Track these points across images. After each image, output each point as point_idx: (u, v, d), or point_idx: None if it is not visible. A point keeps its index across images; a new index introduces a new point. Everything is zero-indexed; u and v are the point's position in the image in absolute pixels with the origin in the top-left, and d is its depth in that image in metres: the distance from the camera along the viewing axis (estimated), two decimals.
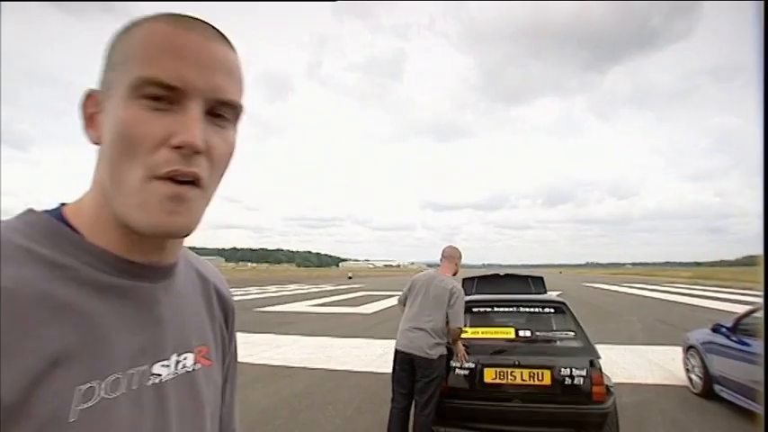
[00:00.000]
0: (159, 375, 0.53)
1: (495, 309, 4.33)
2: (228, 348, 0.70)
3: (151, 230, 0.47)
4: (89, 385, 0.45)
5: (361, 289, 30.46)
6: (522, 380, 3.60)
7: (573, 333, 3.91)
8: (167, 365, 0.54)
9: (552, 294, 5.32)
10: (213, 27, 0.52)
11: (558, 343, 3.87)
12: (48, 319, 0.43)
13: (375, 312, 15.29)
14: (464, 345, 3.78)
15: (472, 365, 3.70)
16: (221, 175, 0.53)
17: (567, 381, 3.51)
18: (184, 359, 0.58)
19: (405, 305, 3.84)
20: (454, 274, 3.87)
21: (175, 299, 0.58)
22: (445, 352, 3.63)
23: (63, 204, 0.54)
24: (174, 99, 0.47)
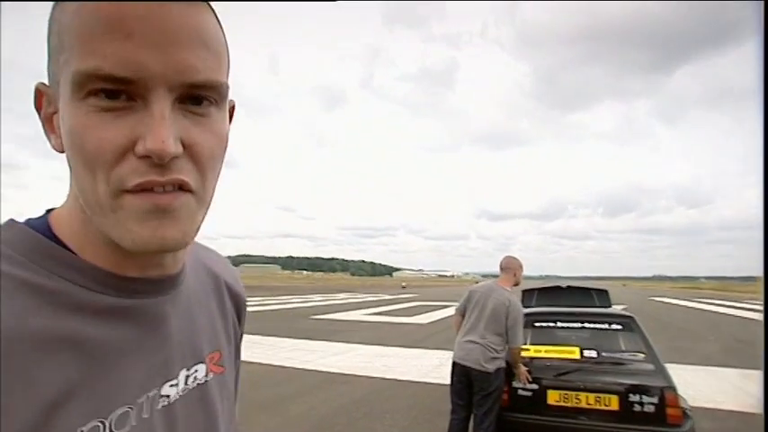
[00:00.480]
0: (168, 396, 0.47)
1: (558, 323, 4.17)
2: (239, 345, 0.66)
3: (139, 249, 0.40)
4: (92, 424, 0.39)
5: (415, 299, 30.33)
6: (588, 404, 3.45)
7: (643, 354, 3.69)
8: (176, 384, 0.49)
9: (618, 308, 5.07)
10: None
11: (627, 365, 3.66)
12: (41, 359, 0.37)
13: (430, 323, 15.19)
14: (527, 364, 3.69)
15: (535, 387, 3.60)
16: (217, 172, 0.44)
17: (637, 407, 3.32)
18: (195, 372, 0.52)
19: (462, 316, 3.79)
20: (515, 286, 3.79)
21: (185, 308, 0.52)
22: (503, 365, 3.56)
23: (49, 211, 0.47)
24: (132, 93, 0.37)
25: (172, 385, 0.48)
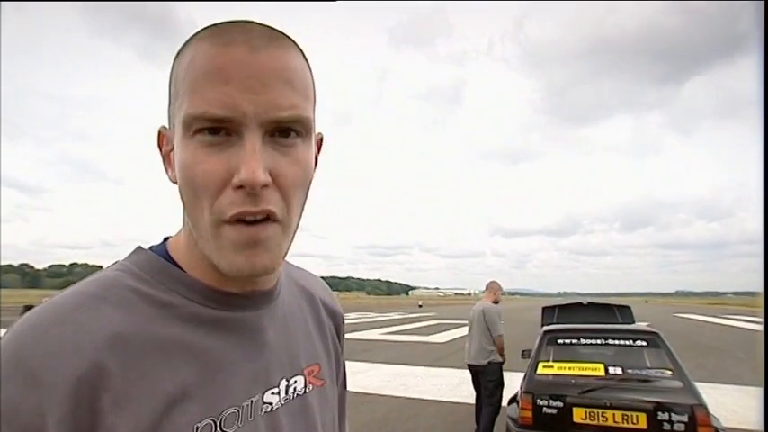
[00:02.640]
0: (270, 404, 0.52)
1: (582, 340, 4.12)
2: (341, 360, 0.69)
3: (233, 274, 0.45)
4: (206, 422, 0.45)
5: (433, 317, 30.02)
6: (615, 422, 3.38)
7: (670, 371, 3.62)
8: (277, 392, 0.53)
9: (642, 325, 4.98)
10: (264, 27, 0.46)
11: (654, 382, 3.59)
12: (160, 361, 0.43)
13: (448, 342, 15.01)
14: (551, 381, 3.73)
15: (560, 404, 3.56)
16: (302, 200, 0.49)
17: (666, 426, 3.25)
18: (294, 383, 0.56)
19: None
20: (495, 302, 5.02)
21: (280, 321, 0.57)
22: (496, 359, 4.63)
23: (167, 238, 0.55)
24: (230, 129, 0.43)
25: (273, 393, 0.52)
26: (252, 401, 0.49)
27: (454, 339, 15.35)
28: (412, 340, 15.59)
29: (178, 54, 0.48)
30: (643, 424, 3.31)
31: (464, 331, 5.58)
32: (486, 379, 4.62)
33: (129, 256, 0.50)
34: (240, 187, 0.42)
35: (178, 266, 0.50)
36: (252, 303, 0.52)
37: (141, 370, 0.42)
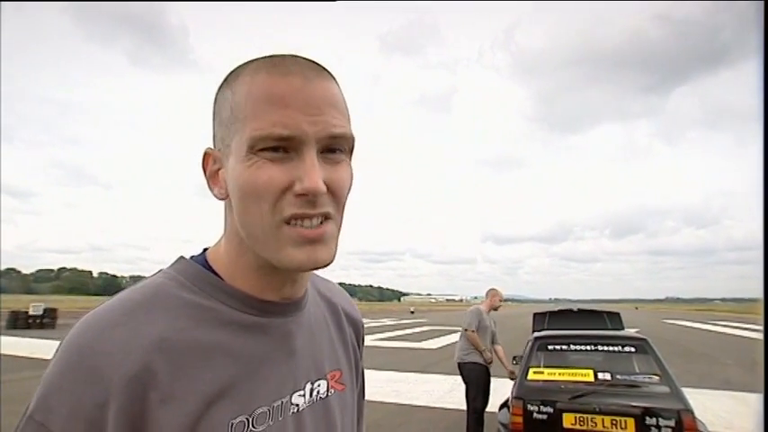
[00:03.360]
0: (297, 405, 0.56)
1: (571, 346, 4.17)
2: (360, 366, 0.74)
3: (295, 268, 0.50)
4: (240, 419, 0.50)
5: (425, 324, 30.03)
6: (604, 427, 3.43)
7: (658, 377, 3.68)
8: (303, 395, 0.57)
9: (631, 331, 5.04)
10: (310, 61, 0.53)
11: (642, 388, 3.65)
12: (200, 363, 0.48)
13: (440, 348, 15.03)
14: (541, 386, 3.79)
15: (550, 410, 3.60)
16: (344, 205, 0.55)
17: (654, 430, 3.30)
18: (318, 386, 0.60)
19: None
20: (493, 309, 5.20)
21: (307, 329, 0.61)
22: (476, 360, 4.74)
23: (206, 249, 0.60)
24: (289, 147, 0.49)
25: (300, 395, 0.57)
26: (282, 402, 0.54)
27: (446, 346, 15.35)
28: (403, 346, 15.58)
29: (228, 83, 0.53)
30: (631, 429, 3.36)
31: (455, 338, 5.65)
32: (466, 376, 4.80)
33: (173, 265, 0.56)
34: (302, 195, 0.48)
35: (217, 275, 0.55)
36: (283, 311, 0.57)
37: (185, 371, 0.47)
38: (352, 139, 0.54)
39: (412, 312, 54.88)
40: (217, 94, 0.55)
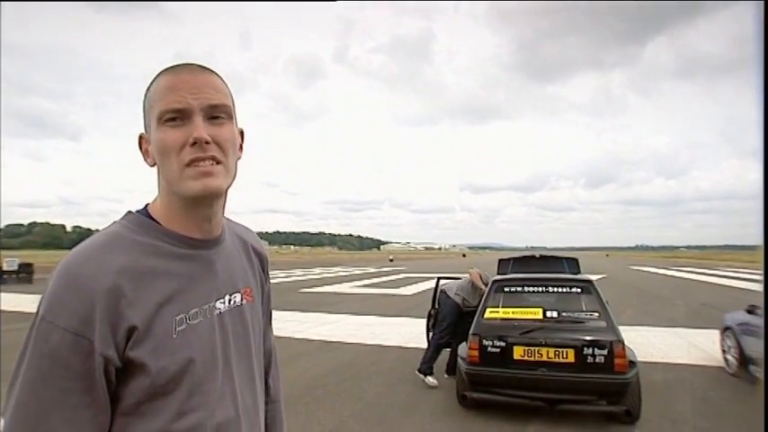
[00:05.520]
0: (219, 309, 0.80)
1: (526, 288, 4.60)
2: (265, 287, 0.99)
3: (196, 194, 0.73)
4: (181, 316, 0.73)
5: (402, 271, 30.98)
6: (549, 357, 3.92)
7: (597, 314, 4.14)
8: (224, 302, 0.81)
9: (585, 276, 5.52)
10: (201, 66, 0.78)
11: (584, 323, 4.12)
12: (151, 281, 0.71)
13: (415, 294, 15.73)
14: (496, 324, 4.24)
15: (503, 344, 4.06)
16: (233, 154, 0.77)
17: (590, 359, 3.79)
18: (234, 297, 0.84)
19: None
20: (484, 283, 5.36)
21: (225, 257, 0.84)
22: (460, 301, 5.30)
23: (147, 204, 0.82)
24: (184, 116, 0.72)
25: (221, 302, 0.81)
26: (209, 306, 0.79)
27: (422, 292, 16.05)
28: (381, 293, 16.27)
29: (149, 87, 0.78)
30: (571, 358, 3.85)
31: (430, 284, 5.96)
32: (443, 311, 5.41)
33: (124, 217, 0.79)
34: (194, 144, 0.72)
35: (156, 222, 0.78)
36: (206, 245, 0.81)
37: (141, 286, 0.70)
38: (230, 108, 0.77)
39: (391, 260, 56.13)
40: (145, 95, 0.78)
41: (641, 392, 3.90)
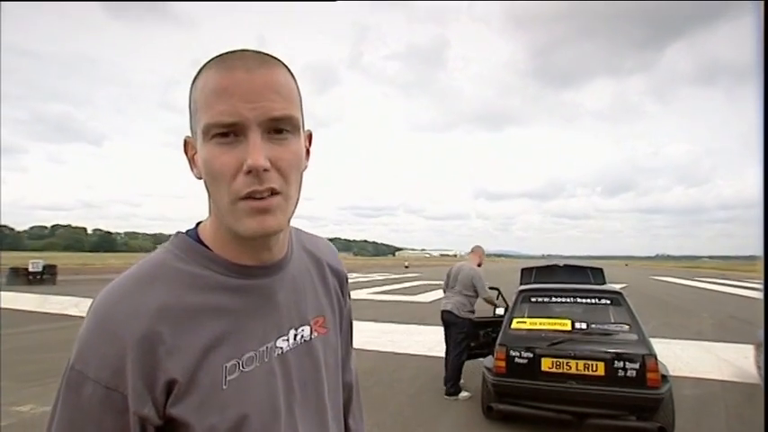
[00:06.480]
0: (281, 348, 0.67)
1: (553, 299, 4.51)
2: (344, 312, 0.85)
3: (250, 235, 0.60)
4: (232, 362, 0.61)
5: (419, 278, 30.82)
6: (578, 370, 3.82)
7: (628, 326, 4.03)
8: (287, 339, 0.68)
9: (616, 287, 5.40)
10: (256, 53, 0.61)
11: (613, 336, 4.01)
12: (195, 321, 0.59)
13: (433, 301, 15.60)
14: (523, 335, 4.14)
15: (530, 355, 3.97)
16: (298, 178, 0.63)
17: (621, 372, 3.69)
18: (302, 331, 0.71)
19: (445, 289, 5.64)
20: (479, 265, 5.62)
21: (290, 284, 0.71)
22: (471, 317, 5.27)
23: (198, 224, 0.70)
24: (237, 131, 0.58)
25: (284, 340, 0.69)
26: (267, 347, 0.66)
27: (439, 299, 15.88)
28: (398, 300, 16.18)
29: (193, 81, 0.63)
30: (601, 371, 3.75)
31: None
32: (456, 331, 5.23)
33: (171, 240, 0.67)
34: (249, 172, 0.58)
35: (206, 246, 0.66)
36: (264, 273, 0.68)
37: (183, 329, 0.59)
38: (296, 119, 0.61)
39: (406, 267, 55.91)
40: (189, 91, 0.64)
41: (674, 409, 3.78)
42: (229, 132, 0.58)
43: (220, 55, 0.61)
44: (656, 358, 3.68)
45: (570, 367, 3.85)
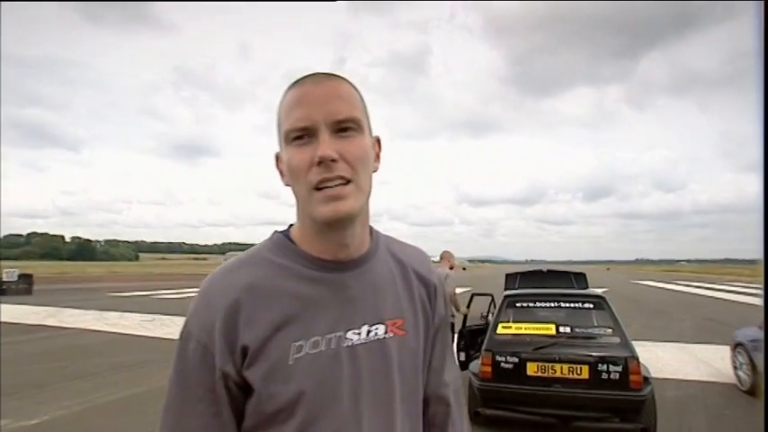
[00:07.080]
0: (351, 340, 0.72)
1: (538, 304, 4.57)
2: (433, 320, 0.85)
3: (326, 220, 0.68)
4: (299, 343, 0.68)
5: None
6: (563, 373, 3.87)
7: (611, 330, 4.11)
8: (358, 333, 0.73)
9: (598, 291, 5.50)
10: (324, 72, 0.72)
11: (597, 339, 4.08)
12: (273, 300, 0.69)
13: None
14: (508, 339, 4.19)
15: (516, 360, 4.01)
16: (367, 169, 0.71)
17: (604, 375, 3.75)
18: (376, 329, 0.75)
19: None
20: (451, 268, 5.87)
21: (367, 282, 0.76)
22: (451, 320, 5.15)
23: (291, 225, 0.79)
24: (310, 133, 0.68)
25: (354, 333, 0.73)
26: (335, 336, 0.71)
27: None
28: None
29: (281, 101, 0.74)
30: (586, 374, 3.81)
31: None
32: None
33: (269, 237, 0.78)
34: (320, 163, 0.67)
35: (294, 242, 0.76)
36: (340, 268, 0.75)
37: (262, 304, 0.69)
38: (359, 119, 0.71)
39: None
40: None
41: (656, 410, 3.85)
42: (304, 135, 0.68)
43: (302, 77, 0.73)
44: (638, 360, 3.75)
45: (555, 371, 3.90)
